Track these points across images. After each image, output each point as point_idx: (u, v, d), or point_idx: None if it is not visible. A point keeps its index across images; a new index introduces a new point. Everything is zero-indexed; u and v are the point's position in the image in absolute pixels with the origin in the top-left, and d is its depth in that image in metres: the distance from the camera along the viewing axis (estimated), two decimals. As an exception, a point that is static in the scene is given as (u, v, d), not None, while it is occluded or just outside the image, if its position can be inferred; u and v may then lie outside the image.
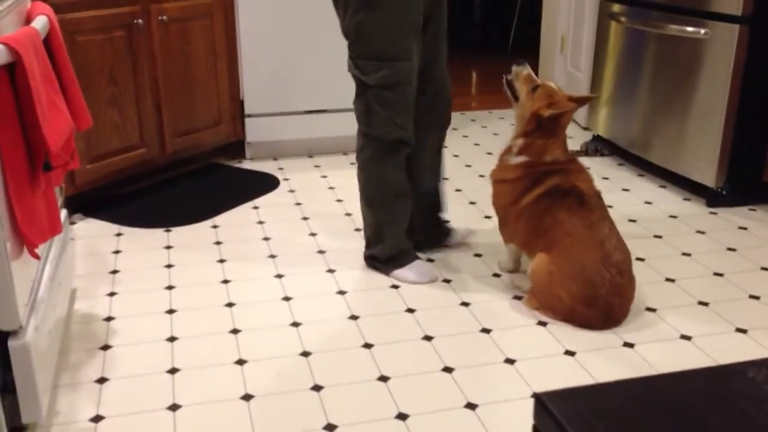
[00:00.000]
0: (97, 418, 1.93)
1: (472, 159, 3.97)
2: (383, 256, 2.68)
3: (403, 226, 2.66)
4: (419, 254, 2.74)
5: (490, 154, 4.02)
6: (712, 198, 3.28)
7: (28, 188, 1.71)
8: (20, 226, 1.69)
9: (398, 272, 2.64)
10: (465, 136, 4.37)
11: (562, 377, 2.09)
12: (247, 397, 2.01)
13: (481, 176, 3.71)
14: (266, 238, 3.01)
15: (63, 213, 2.29)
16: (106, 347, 2.25)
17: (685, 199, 3.39)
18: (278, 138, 3.90)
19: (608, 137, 3.95)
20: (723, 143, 3.19)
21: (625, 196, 3.46)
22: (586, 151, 4.02)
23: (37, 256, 1.80)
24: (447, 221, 2.94)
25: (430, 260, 2.77)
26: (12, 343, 1.71)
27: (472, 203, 3.35)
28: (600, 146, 4.01)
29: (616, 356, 2.18)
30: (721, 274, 2.68)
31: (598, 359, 2.16)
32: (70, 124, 1.86)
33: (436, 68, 2.62)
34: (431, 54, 2.58)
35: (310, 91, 3.82)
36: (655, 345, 2.24)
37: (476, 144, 4.25)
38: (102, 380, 2.09)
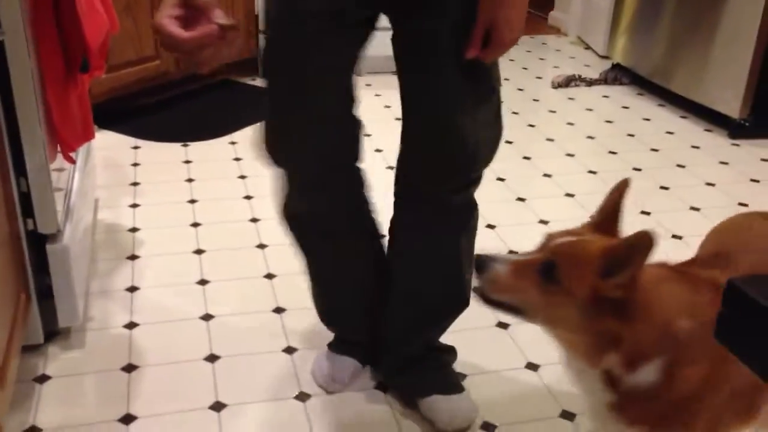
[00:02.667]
0: (131, 325, 1.93)
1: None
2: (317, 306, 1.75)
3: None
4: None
5: (521, 90, 3.93)
6: (735, 129, 3.25)
7: (65, 89, 1.65)
8: (57, 127, 1.64)
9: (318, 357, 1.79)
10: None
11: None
12: (278, 310, 2.01)
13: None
14: (286, 156, 2.97)
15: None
16: (133, 257, 2.23)
17: (706, 130, 3.36)
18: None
19: (628, 65, 3.88)
20: (751, 72, 3.13)
21: (646, 125, 3.42)
22: (605, 79, 3.95)
23: (72, 160, 1.76)
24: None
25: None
26: (50, 247, 1.69)
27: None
28: (619, 75, 3.94)
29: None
30: (746, 204, 2.68)
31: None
32: (107, 23, 1.79)
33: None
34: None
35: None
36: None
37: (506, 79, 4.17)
38: (132, 289, 2.08)
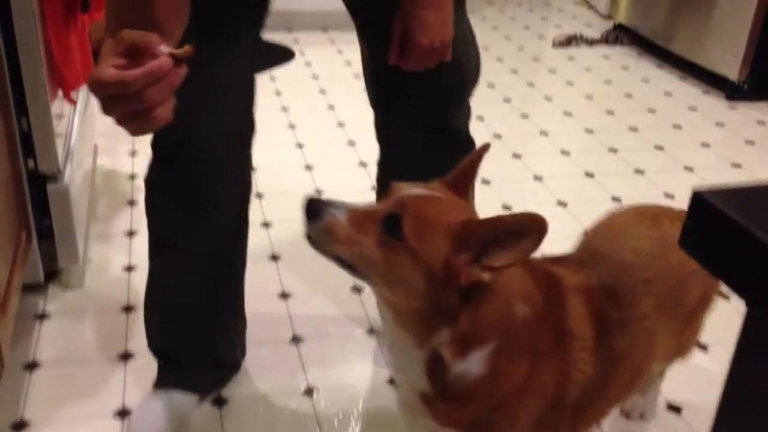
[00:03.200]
0: (129, 268, 1.96)
1: (490, 41, 3.90)
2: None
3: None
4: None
5: (521, 49, 3.94)
6: (733, 91, 3.26)
7: (66, 28, 1.66)
8: (58, 65, 1.65)
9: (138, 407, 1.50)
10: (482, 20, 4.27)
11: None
12: (275, 257, 2.05)
13: (515, 73, 3.66)
14: (284, 108, 2.98)
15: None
16: (132, 203, 2.25)
17: (704, 92, 3.37)
18: (292, 7, 3.78)
19: (630, 25, 3.87)
20: (751, 35, 3.13)
21: (644, 86, 3.43)
22: (606, 39, 3.94)
23: (72, 101, 1.78)
24: None
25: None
26: (51, 187, 1.71)
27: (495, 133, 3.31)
28: (620, 35, 3.93)
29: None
30: (739, 165, 2.71)
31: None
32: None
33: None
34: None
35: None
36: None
37: (507, 38, 4.16)
38: (131, 233, 2.11)
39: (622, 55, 3.79)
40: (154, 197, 1.40)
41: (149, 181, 1.39)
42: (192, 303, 1.45)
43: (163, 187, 1.38)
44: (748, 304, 0.54)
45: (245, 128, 1.39)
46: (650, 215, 1.27)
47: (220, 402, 1.57)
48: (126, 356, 1.67)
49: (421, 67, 1.27)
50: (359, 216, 0.93)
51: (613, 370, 1.09)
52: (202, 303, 1.46)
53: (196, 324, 1.48)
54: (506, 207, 2.36)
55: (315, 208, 0.93)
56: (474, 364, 0.96)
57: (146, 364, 1.60)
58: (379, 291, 0.97)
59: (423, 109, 1.42)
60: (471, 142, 1.51)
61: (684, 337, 1.29)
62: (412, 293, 0.93)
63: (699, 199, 0.52)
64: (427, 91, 1.37)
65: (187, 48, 0.91)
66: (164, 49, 0.90)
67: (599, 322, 1.08)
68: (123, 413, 1.53)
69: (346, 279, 1.98)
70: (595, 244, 1.21)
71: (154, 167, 1.37)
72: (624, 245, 1.17)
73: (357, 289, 1.93)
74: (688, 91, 3.39)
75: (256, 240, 2.12)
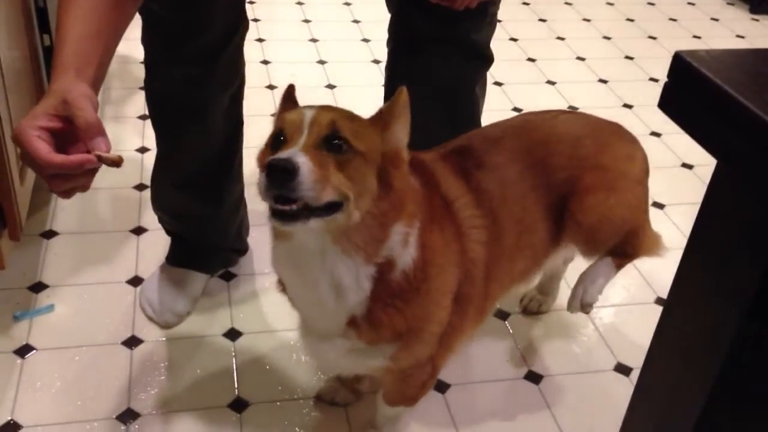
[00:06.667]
0: (142, 149, 2.01)
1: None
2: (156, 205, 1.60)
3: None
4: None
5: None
6: (757, 5, 3.19)
7: None
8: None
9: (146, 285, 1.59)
10: None
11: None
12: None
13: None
14: (299, 2, 2.95)
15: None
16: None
17: (728, 4, 3.29)
18: None
19: (659, -68, 3.74)
20: (782, -55, 3.04)
21: (668, -5, 3.35)
22: (633, -54, 3.82)
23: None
24: None
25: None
26: (66, 63, 1.74)
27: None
28: (648, -58, 3.81)
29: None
30: (755, 78, 2.68)
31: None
32: None
33: None
34: None
35: None
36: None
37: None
38: (144, 117, 2.14)
39: (649, -38, 3.69)
40: (154, 102, 1.44)
41: (147, 86, 1.42)
42: (198, 186, 1.49)
43: (160, 93, 1.41)
44: (720, 160, 0.57)
45: (236, 26, 1.38)
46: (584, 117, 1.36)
47: (227, 276, 1.65)
48: (139, 230, 1.74)
49: (461, 7, 1.26)
50: (312, 150, 0.89)
51: (499, 211, 1.17)
52: (210, 182, 1.50)
53: (201, 217, 1.54)
54: (516, 109, 2.37)
55: (284, 167, 0.84)
56: (413, 249, 1.00)
57: (158, 238, 1.66)
58: (346, 220, 0.93)
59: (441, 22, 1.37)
60: (488, 57, 1.46)
61: (571, 219, 1.27)
62: (372, 198, 0.94)
63: (679, 60, 0.54)
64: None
65: (117, 156, 0.88)
66: (100, 144, 0.86)
67: (462, 175, 1.16)
68: (135, 281, 1.61)
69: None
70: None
71: (149, 72, 1.40)
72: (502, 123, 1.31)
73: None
74: (713, 1, 3.31)
75: (267, 130, 2.15)
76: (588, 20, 3.05)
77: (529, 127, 1.29)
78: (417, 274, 1.02)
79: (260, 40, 2.63)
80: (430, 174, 1.13)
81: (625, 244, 1.33)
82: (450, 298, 1.10)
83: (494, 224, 1.16)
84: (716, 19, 3.13)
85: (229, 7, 1.34)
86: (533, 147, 1.25)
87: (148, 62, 1.39)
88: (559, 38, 2.88)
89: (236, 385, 1.40)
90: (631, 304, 1.70)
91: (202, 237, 1.57)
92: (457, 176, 1.16)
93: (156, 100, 1.44)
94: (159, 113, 1.45)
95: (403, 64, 1.48)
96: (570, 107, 2.39)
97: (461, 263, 1.10)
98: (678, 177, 2.14)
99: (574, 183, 1.26)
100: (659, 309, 1.36)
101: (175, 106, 1.40)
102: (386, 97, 1.54)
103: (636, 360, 1.54)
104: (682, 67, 0.54)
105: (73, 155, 0.87)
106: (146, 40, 1.37)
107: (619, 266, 1.38)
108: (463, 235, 1.11)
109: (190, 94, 1.37)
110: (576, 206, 1.26)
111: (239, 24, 1.37)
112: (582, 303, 1.35)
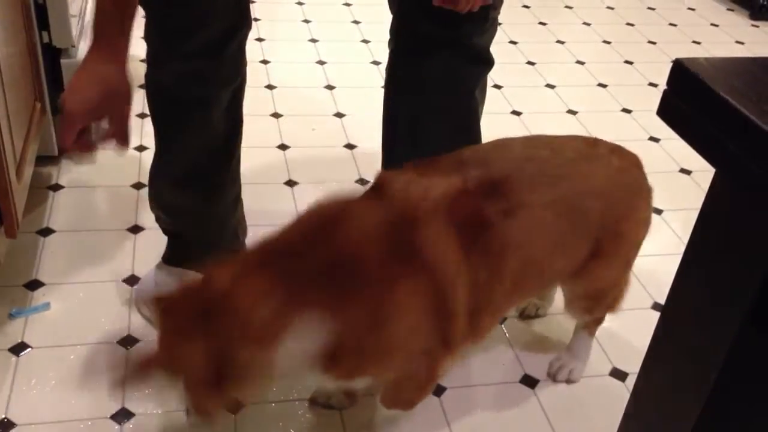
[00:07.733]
0: (141, 148, 2.01)
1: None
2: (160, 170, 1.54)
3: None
4: None
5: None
6: (757, 11, 3.20)
7: None
8: (73, -60, 1.65)
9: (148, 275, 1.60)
10: None
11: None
12: (283, 147, 2.08)
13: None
14: (299, 2, 2.95)
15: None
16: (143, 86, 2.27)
17: (728, 10, 3.30)
18: None
19: (660, -63, 3.75)
20: (782, -49, 3.04)
21: (668, 1, 3.35)
22: (634, -50, 3.83)
23: (87, -23, 1.77)
24: None
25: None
26: (65, 62, 1.74)
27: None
28: (649, -53, 3.82)
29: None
30: (754, 84, 2.69)
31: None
32: None
33: None
34: None
35: None
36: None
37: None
38: (143, 115, 2.14)
39: (649, -33, 3.69)
40: (155, 97, 1.44)
41: (149, 81, 1.42)
42: (197, 183, 1.49)
43: (161, 89, 1.42)
44: (718, 169, 0.57)
45: (240, 23, 1.37)
46: (592, 141, 1.32)
47: (224, 277, 1.64)
48: (136, 229, 1.74)
49: (465, 9, 1.25)
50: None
51: (500, 262, 1.11)
52: (208, 180, 1.50)
53: (199, 215, 1.53)
54: (516, 113, 2.37)
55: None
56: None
57: (155, 237, 1.66)
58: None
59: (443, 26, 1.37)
60: (488, 61, 1.46)
61: (577, 278, 1.28)
62: None
63: (679, 68, 0.54)
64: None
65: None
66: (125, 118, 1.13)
67: (471, 226, 1.08)
68: (132, 280, 1.60)
69: (352, 171, 2.03)
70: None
71: (151, 68, 1.40)
72: (523, 152, 1.20)
73: (363, 181, 1.97)
74: (713, 7, 3.32)
75: (266, 130, 2.16)
76: (588, 24, 3.05)
77: (565, 175, 1.20)
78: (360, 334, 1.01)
79: (260, 39, 2.63)
80: (414, 237, 1.05)
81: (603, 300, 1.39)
82: (420, 320, 1.06)
83: (490, 276, 1.10)
84: (716, 25, 3.14)
85: (234, 3, 1.34)
86: (570, 197, 1.19)
87: (150, 57, 1.39)
88: (558, 42, 2.88)
89: (231, 386, 1.40)
90: (627, 309, 1.70)
91: (199, 236, 1.57)
92: (457, 232, 1.07)
93: (157, 95, 1.44)
94: (159, 109, 1.45)
95: (404, 66, 1.48)
96: (569, 111, 2.40)
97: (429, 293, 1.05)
98: (676, 182, 2.14)
99: (595, 245, 1.24)
100: (656, 314, 1.35)
101: (175, 101, 1.40)
102: (386, 98, 1.54)
103: (632, 365, 1.54)
104: (681, 74, 0.54)
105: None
106: (149, 34, 1.37)
107: (593, 334, 1.49)
108: (440, 286, 1.06)
109: (191, 90, 1.37)
110: (586, 270, 1.26)
111: (243, 21, 1.37)
112: (568, 379, 1.47)
